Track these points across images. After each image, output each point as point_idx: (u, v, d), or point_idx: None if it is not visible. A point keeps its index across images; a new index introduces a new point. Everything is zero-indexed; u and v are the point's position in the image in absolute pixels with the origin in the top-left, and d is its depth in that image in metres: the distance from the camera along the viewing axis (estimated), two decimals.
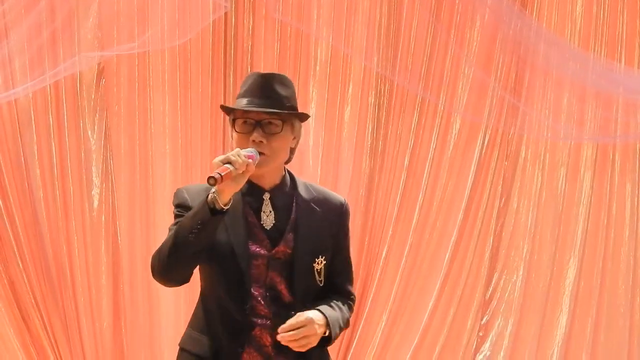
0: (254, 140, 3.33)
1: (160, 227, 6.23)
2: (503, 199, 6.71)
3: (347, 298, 3.55)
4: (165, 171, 6.29)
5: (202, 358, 3.38)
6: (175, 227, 3.31)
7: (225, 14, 6.20)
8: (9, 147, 6.07)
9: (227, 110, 3.46)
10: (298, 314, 3.31)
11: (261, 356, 3.38)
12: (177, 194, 3.45)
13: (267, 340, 3.38)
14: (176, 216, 3.41)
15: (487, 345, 6.69)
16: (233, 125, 3.41)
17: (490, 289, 6.71)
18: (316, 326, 3.30)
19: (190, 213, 3.24)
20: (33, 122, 6.14)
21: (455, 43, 6.48)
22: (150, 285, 6.26)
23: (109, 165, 6.28)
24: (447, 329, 6.60)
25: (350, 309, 3.54)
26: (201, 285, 3.49)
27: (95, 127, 6.27)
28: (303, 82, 6.42)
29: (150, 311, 6.27)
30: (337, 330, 3.40)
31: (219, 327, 3.36)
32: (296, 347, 3.30)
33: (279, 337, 3.28)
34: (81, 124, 6.23)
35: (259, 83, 3.39)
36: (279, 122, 3.38)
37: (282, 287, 3.39)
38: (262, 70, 6.30)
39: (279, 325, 3.32)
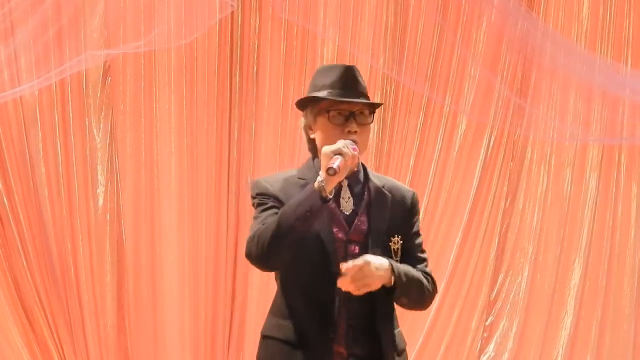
0: (350, 131, 3.41)
1: (165, 226, 6.23)
2: (508, 200, 6.71)
3: (425, 274, 3.57)
4: (170, 170, 6.29)
5: (289, 342, 3.43)
6: (275, 213, 3.34)
7: (232, 13, 6.20)
8: (15, 145, 6.07)
9: (305, 103, 3.48)
10: (361, 257, 3.36)
11: (338, 343, 3.42)
12: (256, 184, 3.51)
13: (344, 324, 3.42)
14: (258, 204, 3.46)
15: (491, 346, 6.69)
16: (320, 117, 3.45)
17: (495, 289, 6.71)
18: (373, 268, 3.33)
19: (295, 201, 3.30)
20: (38, 120, 6.14)
21: (462, 43, 6.48)
22: (155, 284, 6.26)
23: (114, 164, 6.27)
24: (451, 329, 6.60)
25: (429, 280, 3.55)
26: (281, 274, 3.51)
27: (101, 126, 6.27)
28: (309, 82, 6.40)
29: (154, 310, 6.26)
30: (404, 279, 3.40)
31: (305, 313, 3.41)
32: (355, 290, 3.33)
33: (338, 284, 3.32)
34: (87, 122, 6.23)
35: (346, 74, 3.47)
36: (368, 113, 3.48)
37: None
38: (269, 69, 6.38)
39: (356, 309, 3.39)
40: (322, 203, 3.27)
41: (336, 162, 3.26)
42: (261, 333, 3.54)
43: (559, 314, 6.68)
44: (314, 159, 3.51)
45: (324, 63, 6.46)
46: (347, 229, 3.45)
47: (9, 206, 6.05)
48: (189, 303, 6.29)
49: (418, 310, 3.60)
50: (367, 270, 3.32)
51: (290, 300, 3.45)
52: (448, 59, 6.53)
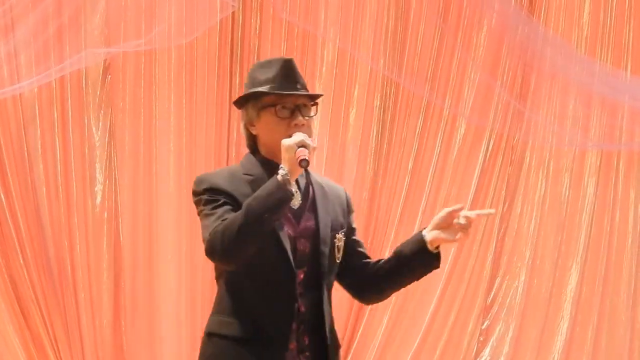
0: (297, 124, 3.39)
1: (163, 225, 6.23)
2: (506, 204, 6.71)
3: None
4: (169, 169, 6.28)
5: (237, 339, 3.37)
6: (243, 208, 3.28)
7: (233, 13, 6.20)
8: (13, 142, 6.06)
9: (247, 98, 3.44)
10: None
11: (289, 337, 3.40)
12: (203, 180, 3.43)
13: (295, 320, 3.40)
14: (208, 201, 3.38)
15: (487, 350, 6.68)
16: (264, 112, 3.40)
17: (492, 293, 6.70)
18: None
19: (262, 194, 3.26)
20: (37, 117, 6.14)
21: (462, 47, 6.48)
22: (152, 282, 6.26)
23: (112, 162, 6.27)
24: (447, 332, 6.59)
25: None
26: (226, 273, 3.44)
27: (100, 124, 6.26)
28: (309, 83, 6.32)
29: (150, 309, 6.26)
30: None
31: (257, 309, 3.36)
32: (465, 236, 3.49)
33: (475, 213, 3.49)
34: (85, 120, 6.22)
35: (287, 67, 3.43)
36: (312, 106, 3.46)
37: (309, 266, 3.42)
38: None
39: (306, 305, 3.38)
40: (291, 195, 3.26)
41: (306, 153, 3.25)
42: (205, 332, 3.46)
43: (556, 318, 6.67)
44: (254, 154, 3.46)
45: (325, 65, 6.48)
46: (296, 224, 3.43)
47: (7, 203, 6.05)
48: (185, 302, 6.28)
49: (376, 301, 3.70)
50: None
51: (242, 298, 3.39)
52: (448, 62, 6.53)
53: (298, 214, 3.43)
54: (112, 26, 6.10)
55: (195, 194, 3.43)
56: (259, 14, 6.41)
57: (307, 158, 3.24)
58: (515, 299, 6.67)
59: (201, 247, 6.39)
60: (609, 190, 6.70)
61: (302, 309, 3.39)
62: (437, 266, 3.59)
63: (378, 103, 6.54)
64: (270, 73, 3.42)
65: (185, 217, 6.26)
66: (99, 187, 6.26)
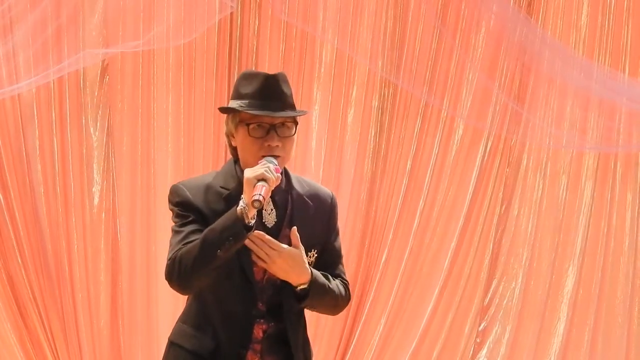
0: (270, 145, 3.32)
1: (161, 226, 6.22)
2: (504, 206, 6.71)
3: (341, 279, 3.54)
4: (167, 170, 6.28)
5: (197, 354, 3.36)
6: (192, 233, 3.27)
7: (231, 13, 6.20)
8: (11, 142, 6.06)
9: (228, 112, 3.39)
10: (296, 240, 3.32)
11: (254, 352, 3.38)
12: (176, 192, 3.40)
13: (259, 335, 3.38)
14: (178, 215, 3.38)
15: (484, 351, 6.69)
16: (240, 128, 3.35)
17: (489, 295, 6.71)
18: (282, 258, 3.28)
19: (218, 227, 3.22)
20: (36, 117, 6.14)
21: (460, 48, 6.49)
22: (149, 283, 6.26)
23: (110, 163, 6.27)
24: (444, 334, 6.60)
25: (345, 287, 3.51)
26: None
27: (98, 124, 6.26)
28: (307, 84, 6.42)
29: (148, 309, 6.26)
30: (319, 285, 3.36)
31: (220, 327, 3.34)
32: (258, 256, 3.29)
33: (254, 234, 3.25)
34: (83, 121, 6.22)
35: (268, 84, 3.34)
36: (291, 124, 3.38)
37: (277, 283, 3.38)
38: (267, 70, 6.35)
39: (273, 320, 3.35)
40: (245, 231, 3.20)
41: (261, 191, 3.16)
42: (169, 338, 3.47)
43: (552, 320, 6.69)
44: (235, 162, 3.40)
45: (323, 66, 6.48)
46: None
47: (5, 203, 6.05)
48: (183, 303, 6.26)
49: (329, 315, 3.60)
50: (276, 254, 3.26)
51: (206, 312, 3.37)
52: (446, 63, 6.53)
53: (274, 232, 3.36)
54: (111, 27, 6.09)
55: (169, 202, 3.43)
56: (257, 14, 6.40)
57: (259, 199, 3.14)
58: (512, 300, 6.68)
59: None
60: (606, 193, 6.71)
61: (266, 326, 3.37)
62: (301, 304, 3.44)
63: (376, 104, 6.54)
64: (251, 88, 3.35)
65: None
66: (96, 188, 6.26)
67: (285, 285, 3.37)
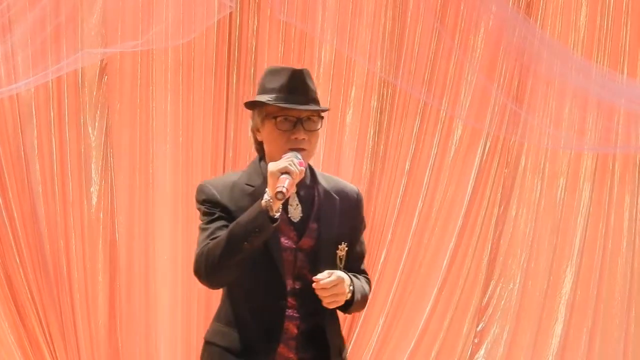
0: (297, 138, 3.36)
1: (160, 226, 6.22)
2: (502, 207, 6.72)
3: (364, 276, 3.59)
4: (165, 170, 6.28)
5: (231, 351, 3.40)
6: (220, 228, 3.31)
7: (230, 13, 6.19)
8: (10, 142, 6.05)
9: (254, 104, 3.42)
10: (329, 271, 3.33)
11: (288, 348, 3.41)
12: (203, 190, 3.43)
13: (294, 331, 3.41)
14: (205, 213, 3.41)
15: (482, 352, 6.70)
16: (267, 122, 3.39)
17: (487, 295, 6.72)
18: (345, 286, 3.35)
19: (244, 220, 3.26)
20: (34, 117, 6.13)
21: (459, 49, 6.49)
22: (148, 283, 6.26)
23: (108, 163, 6.26)
24: (443, 334, 6.61)
25: (369, 283, 3.59)
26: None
27: (96, 124, 6.26)
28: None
29: (146, 309, 6.26)
30: (359, 297, 3.44)
31: (252, 322, 3.38)
32: (326, 302, 3.34)
33: (314, 285, 3.30)
34: (82, 120, 6.21)
35: (294, 79, 3.40)
36: (316, 118, 3.42)
37: (309, 277, 3.40)
38: None
39: (307, 315, 3.38)
40: (270, 223, 3.24)
41: (284, 183, 3.21)
42: (205, 338, 3.50)
43: (550, 321, 6.70)
44: (260, 160, 3.46)
45: (322, 66, 6.47)
46: (297, 237, 3.41)
47: (3, 203, 6.05)
48: (181, 303, 6.28)
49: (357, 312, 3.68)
50: (340, 288, 3.32)
51: (237, 309, 3.41)
52: (445, 64, 6.53)
53: (300, 227, 3.41)
54: (109, 27, 6.08)
55: (196, 201, 3.46)
56: (256, 14, 6.40)
57: (283, 190, 3.19)
58: (510, 301, 6.69)
59: None
60: (604, 194, 6.72)
61: (302, 319, 3.40)
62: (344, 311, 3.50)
63: (375, 104, 6.54)
64: (277, 82, 3.40)
65: (181, 218, 6.26)
66: (94, 187, 6.25)
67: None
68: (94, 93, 6.23)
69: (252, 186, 3.38)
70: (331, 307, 3.35)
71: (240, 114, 6.38)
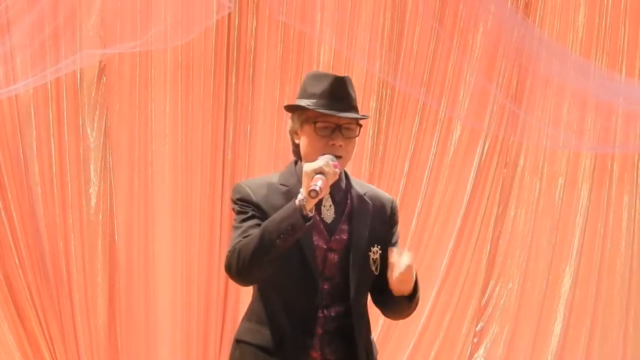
0: (334, 144, 3.40)
1: (159, 227, 6.22)
2: (501, 207, 6.73)
3: None
4: (164, 171, 6.28)
5: (263, 348, 3.42)
6: (252, 227, 3.34)
7: (229, 14, 6.19)
8: (9, 143, 6.05)
9: (296, 109, 3.45)
10: (400, 254, 3.34)
11: (313, 347, 3.42)
12: (238, 189, 3.47)
13: (320, 330, 3.42)
14: (238, 212, 3.44)
15: (481, 351, 6.71)
16: (307, 126, 3.43)
17: (486, 295, 6.73)
18: (413, 274, 3.37)
19: (277, 217, 3.30)
20: (33, 118, 6.12)
21: (458, 49, 6.49)
22: (147, 284, 6.26)
23: (107, 164, 6.26)
24: (442, 334, 6.62)
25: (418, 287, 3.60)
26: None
27: (95, 125, 6.25)
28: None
29: (146, 310, 6.26)
30: (419, 292, 3.46)
31: (284, 319, 3.41)
32: (399, 290, 3.36)
33: (396, 275, 3.31)
34: (81, 122, 6.21)
35: (336, 85, 3.43)
36: (355, 126, 3.45)
37: (338, 278, 3.44)
38: (265, 71, 6.37)
39: (332, 315, 3.39)
40: (304, 221, 3.26)
41: (318, 182, 3.24)
42: (235, 337, 3.51)
43: (549, 320, 6.71)
44: (296, 162, 3.49)
45: (321, 66, 6.47)
46: (328, 237, 3.44)
47: (2, 204, 6.04)
48: (181, 303, 6.28)
49: (397, 319, 3.68)
50: (411, 272, 3.35)
51: (269, 307, 3.43)
52: (444, 64, 6.54)
53: (332, 227, 3.44)
54: (108, 28, 6.08)
55: (231, 200, 3.51)
56: (255, 15, 6.40)
57: (316, 189, 3.23)
58: (509, 301, 6.70)
59: (197, 248, 6.43)
60: (602, 194, 6.73)
61: (327, 318, 3.41)
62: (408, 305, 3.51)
63: (374, 105, 6.55)
64: (319, 88, 3.43)
65: (180, 219, 6.26)
66: (93, 189, 6.25)
67: (349, 282, 3.42)
68: (93, 94, 6.23)
69: (287, 186, 3.42)
70: (401, 292, 3.36)
71: (240, 114, 6.38)
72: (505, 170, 6.74)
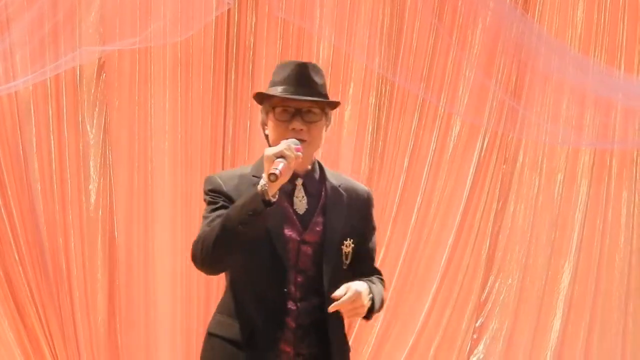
0: (294, 129, 3.38)
1: (159, 223, 6.22)
2: (500, 202, 6.74)
3: (378, 276, 3.59)
4: (164, 167, 6.28)
5: (234, 342, 3.40)
6: (220, 216, 3.31)
7: (228, 10, 6.19)
8: (8, 140, 6.05)
9: (261, 98, 3.46)
10: (345, 285, 3.33)
11: (286, 341, 3.41)
12: (209, 180, 3.46)
13: (292, 325, 3.41)
14: (209, 202, 3.43)
15: (480, 347, 6.72)
16: (270, 113, 3.43)
17: (486, 291, 6.73)
18: (364, 297, 3.34)
19: (239, 203, 3.27)
20: (32, 115, 6.12)
21: (457, 45, 6.50)
22: (147, 280, 6.26)
23: (107, 160, 6.26)
24: (442, 330, 6.62)
25: (383, 283, 3.59)
26: (231, 271, 3.47)
27: (94, 122, 6.25)
28: None
29: (146, 306, 6.26)
30: (379, 303, 3.45)
31: (254, 312, 3.38)
32: (347, 316, 3.36)
33: (330, 309, 3.30)
34: (80, 118, 6.21)
35: (295, 72, 3.42)
36: (317, 110, 3.42)
37: (312, 271, 3.42)
38: (265, 67, 6.37)
39: (306, 309, 3.39)
40: (265, 206, 3.22)
41: (279, 166, 3.21)
42: (207, 330, 3.50)
43: (548, 316, 6.71)
44: None
45: (320, 62, 6.46)
46: (302, 229, 3.42)
47: (2, 200, 6.04)
48: (180, 300, 6.28)
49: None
50: (359, 301, 3.31)
51: (239, 299, 3.41)
52: (443, 60, 6.54)
53: (306, 219, 3.43)
54: (107, 24, 6.08)
55: (203, 192, 3.48)
56: (254, 11, 6.40)
57: (276, 172, 3.19)
58: (508, 296, 6.71)
59: None
60: (601, 190, 6.74)
61: (300, 312, 3.40)
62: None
63: (373, 101, 6.55)
64: (282, 75, 3.43)
65: (180, 215, 6.26)
66: (93, 185, 6.25)
67: (322, 276, 3.41)
68: (92, 91, 6.23)
69: (258, 177, 3.37)
70: (352, 318, 3.37)
71: (239, 110, 6.38)
72: (504, 166, 6.74)
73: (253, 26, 6.41)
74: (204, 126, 6.32)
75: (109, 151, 6.25)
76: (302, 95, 3.38)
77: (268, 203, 3.22)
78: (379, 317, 6.52)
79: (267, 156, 3.25)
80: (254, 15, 6.40)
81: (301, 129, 3.38)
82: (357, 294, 3.30)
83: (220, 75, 6.36)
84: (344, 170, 6.45)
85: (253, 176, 3.40)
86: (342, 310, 3.32)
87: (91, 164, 6.25)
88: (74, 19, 5.99)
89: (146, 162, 6.26)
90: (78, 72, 6.19)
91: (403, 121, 6.56)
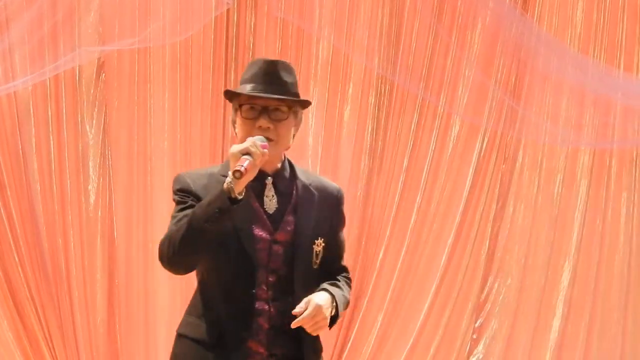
0: (260, 127, 3.36)
1: (158, 224, 6.22)
2: (500, 203, 6.73)
3: (344, 274, 3.60)
4: (163, 167, 6.28)
5: (203, 342, 3.38)
6: (187, 215, 3.29)
7: (228, 10, 6.19)
8: (8, 140, 6.05)
9: (230, 95, 3.46)
10: (306, 299, 3.32)
11: (259, 342, 3.39)
12: (178, 179, 3.45)
13: (264, 326, 3.40)
14: (178, 202, 3.41)
15: (480, 347, 6.72)
16: (238, 111, 3.42)
17: (485, 291, 6.73)
18: (325, 311, 3.34)
19: (205, 201, 3.25)
20: (32, 115, 6.12)
21: (457, 45, 6.50)
22: (146, 280, 6.26)
23: (106, 160, 6.26)
24: (441, 330, 6.62)
25: (349, 284, 3.60)
26: (200, 272, 3.48)
27: (94, 122, 6.25)
28: (304, 81, 6.40)
29: (145, 307, 6.26)
30: (342, 309, 3.45)
31: (223, 312, 3.37)
32: (310, 331, 3.34)
33: (292, 325, 3.30)
34: (79, 118, 6.21)
35: (264, 69, 3.41)
36: (285, 109, 3.41)
37: (284, 270, 3.41)
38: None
39: (279, 310, 3.38)
40: (232, 204, 3.20)
41: (244, 163, 3.19)
42: (176, 331, 3.50)
43: (548, 316, 6.71)
44: None
45: (319, 62, 6.48)
46: (272, 229, 3.41)
47: (1, 201, 6.04)
48: (180, 300, 6.27)
49: None
50: (320, 315, 3.31)
51: (209, 300, 3.40)
52: (443, 60, 6.54)
53: (276, 219, 3.41)
54: (107, 24, 6.08)
55: (172, 191, 3.47)
56: (253, 11, 6.40)
57: (241, 169, 3.16)
58: (508, 297, 6.70)
59: None
60: (601, 190, 6.74)
61: (273, 313, 3.38)
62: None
63: (373, 101, 6.55)
64: (250, 72, 3.42)
65: None
66: (92, 185, 6.25)
67: (294, 277, 3.40)
68: (92, 91, 6.23)
69: (226, 176, 3.33)
70: (316, 333, 3.36)
71: None
72: (504, 166, 6.74)
73: (252, 26, 6.41)
74: (203, 126, 6.32)
75: (108, 151, 6.26)
76: (269, 94, 3.37)
77: (234, 200, 3.20)
78: (378, 317, 6.52)
79: (233, 153, 3.23)
80: (253, 15, 6.40)
81: (268, 127, 3.36)
82: (318, 308, 3.30)
83: (220, 75, 6.36)
84: (344, 170, 6.47)
85: (221, 175, 3.37)
86: (304, 326, 3.31)
87: (90, 164, 6.25)
88: (73, 19, 5.99)
89: (145, 162, 6.26)
90: (77, 72, 6.19)
91: (402, 121, 6.56)
